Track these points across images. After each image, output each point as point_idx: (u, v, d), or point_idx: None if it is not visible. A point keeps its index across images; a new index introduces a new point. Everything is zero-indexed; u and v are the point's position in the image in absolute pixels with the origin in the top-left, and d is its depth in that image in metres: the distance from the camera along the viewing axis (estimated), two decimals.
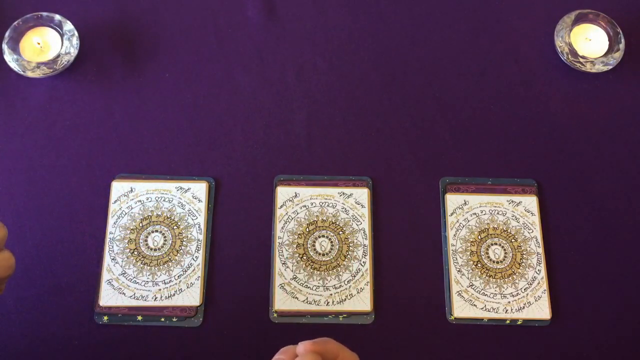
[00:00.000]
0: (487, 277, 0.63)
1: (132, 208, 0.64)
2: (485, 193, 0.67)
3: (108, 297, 0.61)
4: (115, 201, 0.64)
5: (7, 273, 0.46)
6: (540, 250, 0.64)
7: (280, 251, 0.63)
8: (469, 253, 0.64)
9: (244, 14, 0.74)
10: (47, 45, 0.69)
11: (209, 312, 0.61)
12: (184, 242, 0.63)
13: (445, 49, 0.73)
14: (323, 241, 0.64)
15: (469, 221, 0.65)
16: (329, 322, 0.61)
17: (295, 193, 0.66)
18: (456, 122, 0.70)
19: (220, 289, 0.62)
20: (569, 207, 0.67)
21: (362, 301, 0.62)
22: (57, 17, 0.69)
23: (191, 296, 0.61)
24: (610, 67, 0.70)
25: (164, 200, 0.65)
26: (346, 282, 0.62)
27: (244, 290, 0.62)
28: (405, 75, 0.72)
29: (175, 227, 0.64)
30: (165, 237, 0.63)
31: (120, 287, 0.61)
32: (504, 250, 0.64)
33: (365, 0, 0.75)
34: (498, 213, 0.66)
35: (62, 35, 0.69)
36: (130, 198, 0.65)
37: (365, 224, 0.65)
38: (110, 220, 0.64)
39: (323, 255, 0.64)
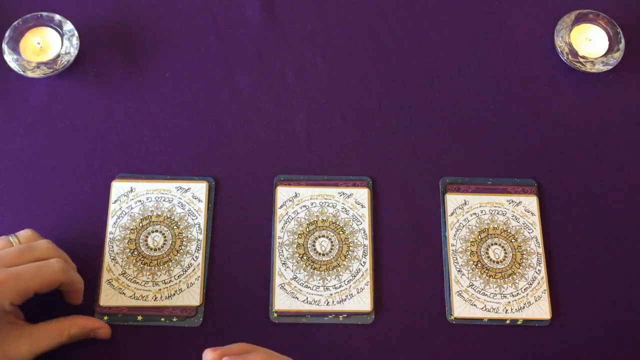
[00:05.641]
0: (487, 277, 0.63)
1: (132, 208, 0.64)
2: (485, 193, 0.67)
3: (108, 297, 0.61)
4: (115, 201, 0.64)
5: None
6: (540, 250, 0.64)
7: (280, 251, 0.63)
8: (469, 253, 0.64)
9: (244, 14, 0.74)
10: (47, 45, 0.69)
11: (209, 312, 0.61)
12: (184, 242, 0.63)
13: (445, 49, 0.73)
14: (323, 241, 0.64)
15: (469, 221, 0.65)
16: (329, 322, 0.61)
17: (295, 193, 0.66)
18: (456, 122, 0.70)
19: (220, 289, 0.62)
20: (569, 207, 0.67)
21: (362, 301, 0.62)
22: (57, 17, 0.69)
23: (191, 296, 0.61)
24: (610, 67, 0.70)
25: (164, 200, 0.65)
26: (346, 282, 0.62)
27: (244, 290, 0.62)
28: (405, 75, 0.72)
29: (175, 227, 0.64)
30: (165, 237, 0.63)
31: (120, 287, 0.61)
32: (504, 250, 0.64)
33: (365, 0, 0.75)
34: (498, 213, 0.66)
35: (62, 35, 0.69)
36: (130, 198, 0.65)
37: (365, 224, 0.65)
38: (110, 220, 0.64)
39: (323, 255, 0.64)
